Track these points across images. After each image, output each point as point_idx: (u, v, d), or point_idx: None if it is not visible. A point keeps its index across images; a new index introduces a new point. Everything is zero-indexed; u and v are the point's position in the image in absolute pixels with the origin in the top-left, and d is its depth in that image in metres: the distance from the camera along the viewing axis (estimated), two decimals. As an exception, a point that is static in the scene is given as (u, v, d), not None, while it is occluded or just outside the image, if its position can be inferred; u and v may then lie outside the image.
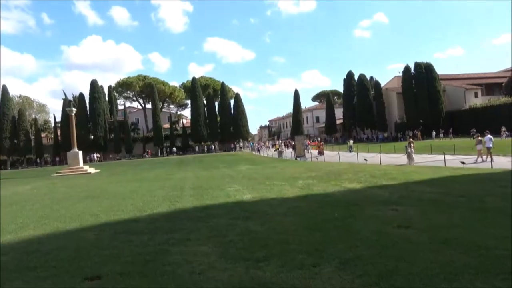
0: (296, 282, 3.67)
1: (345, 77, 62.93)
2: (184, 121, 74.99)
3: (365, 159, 20.71)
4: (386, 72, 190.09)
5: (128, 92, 68.90)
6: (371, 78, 64.08)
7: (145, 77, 68.03)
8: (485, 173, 12.47)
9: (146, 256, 4.84)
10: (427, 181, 11.10)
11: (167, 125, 64.43)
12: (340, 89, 70.67)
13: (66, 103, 48.28)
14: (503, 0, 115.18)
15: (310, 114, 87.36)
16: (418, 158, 20.10)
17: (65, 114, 49.28)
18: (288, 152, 37.60)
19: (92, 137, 57.06)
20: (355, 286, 3.51)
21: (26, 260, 5.04)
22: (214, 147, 61.30)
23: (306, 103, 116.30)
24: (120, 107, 69.39)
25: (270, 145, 58.10)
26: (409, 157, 19.16)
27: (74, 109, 33.65)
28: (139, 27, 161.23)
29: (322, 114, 77.67)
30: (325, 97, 78.12)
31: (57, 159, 56.59)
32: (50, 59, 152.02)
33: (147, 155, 58.09)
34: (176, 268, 4.28)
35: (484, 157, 18.42)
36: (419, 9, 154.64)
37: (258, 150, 51.33)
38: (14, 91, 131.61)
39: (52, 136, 64.35)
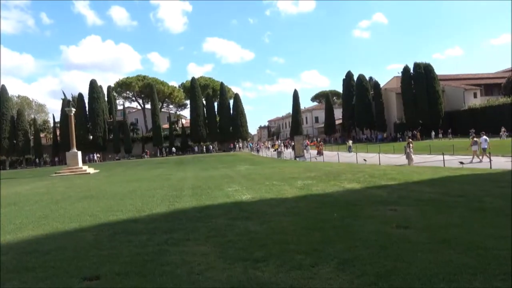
0: (295, 282, 3.67)
1: (344, 77, 62.97)
2: (183, 121, 74.94)
3: (364, 160, 20.73)
4: (385, 73, 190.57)
5: (127, 92, 68.82)
6: (370, 78, 64.25)
7: (144, 77, 67.97)
8: (484, 173, 12.49)
9: (145, 256, 4.84)
10: (426, 181, 11.12)
11: (166, 125, 64.38)
12: (340, 89, 70.80)
13: (65, 103, 48.27)
14: (502, 0, 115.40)
15: (309, 114, 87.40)
16: (417, 158, 20.13)
17: (64, 114, 49.29)
18: (287, 152, 37.62)
19: (91, 137, 57.02)
20: (354, 286, 3.51)
21: (25, 260, 5.03)
22: (213, 147, 61.30)
23: (306, 103, 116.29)
24: (119, 107, 69.34)
25: (269, 145, 58.08)
26: (408, 157, 19.19)
27: (73, 109, 33.62)
28: (138, 27, 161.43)
29: (321, 114, 77.71)
30: (324, 98, 78.05)
31: (56, 159, 56.54)
32: (49, 59, 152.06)
33: (145, 156, 58.03)
34: (175, 268, 4.28)
35: (480, 157, 18.51)
36: (418, 9, 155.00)
37: (257, 150, 51.33)
38: (13, 91, 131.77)
39: (51, 136, 64.25)
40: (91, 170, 30.17)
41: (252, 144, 65.76)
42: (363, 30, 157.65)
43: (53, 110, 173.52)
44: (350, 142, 39.59)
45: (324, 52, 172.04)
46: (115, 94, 68.41)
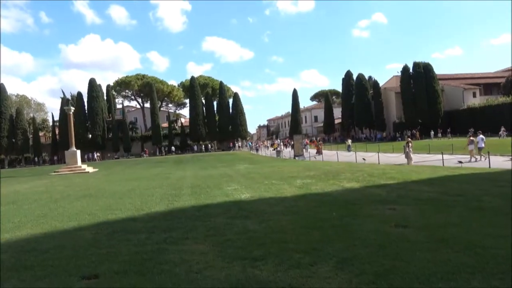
0: (293, 281, 3.67)
1: (343, 76, 62.96)
2: (183, 120, 74.89)
3: (364, 159, 20.74)
4: (385, 72, 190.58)
5: (127, 91, 68.73)
6: (370, 77, 64.23)
7: (143, 76, 67.87)
8: (483, 173, 12.51)
9: (143, 255, 4.83)
10: (425, 180, 11.12)
11: (165, 124, 64.33)
12: (339, 88, 70.75)
13: (64, 102, 48.19)
14: (502, 0, 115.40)
15: (308, 113, 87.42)
16: (416, 158, 20.14)
17: (63, 113, 49.23)
18: (287, 152, 37.62)
19: (90, 136, 56.92)
20: (353, 285, 3.51)
21: (24, 259, 5.02)
22: (213, 146, 61.26)
23: (305, 102, 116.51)
24: (119, 106, 69.26)
25: (268, 145, 58.07)
26: (407, 157, 19.20)
27: (72, 108, 33.58)
28: (137, 26, 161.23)
29: (320, 114, 77.70)
30: (323, 97, 77.98)
31: (55, 158, 56.47)
32: (48, 58, 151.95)
33: (144, 154, 57.98)
34: (174, 267, 4.28)
35: (478, 157, 18.56)
36: (418, 9, 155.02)
37: (257, 150, 51.33)
38: (12, 89, 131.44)
39: (50, 135, 64.13)
40: (90, 169, 30.15)
41: (251, 143, 65.75)
42: (363, 30, 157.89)
43: (52, 109, 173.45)
44: (349, 141, 39.60)
45: (323, 52, 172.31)
46: (114, 93, 68.31)
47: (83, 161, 38.05)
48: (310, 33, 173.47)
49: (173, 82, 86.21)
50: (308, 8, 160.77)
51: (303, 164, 21.75)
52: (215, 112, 61.70)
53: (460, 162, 15.67)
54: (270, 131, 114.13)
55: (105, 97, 62.40)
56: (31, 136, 60.17)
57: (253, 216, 7.07)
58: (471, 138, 19.90)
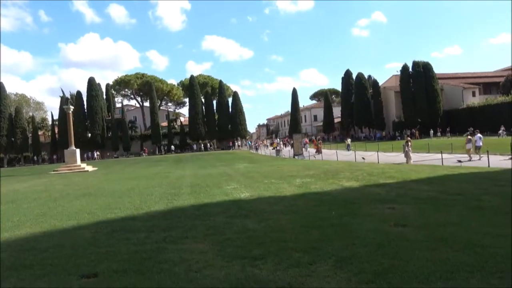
0: (293, 280, 3.67)
1: (343, 75, 62.90)
2: (182, 119, 74.85)
3: (363, 158, 20.74)
4: (384, 71, 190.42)
5: (126, 90, 68.63)
6: (369, 77, 64.19)
7: (143, 75, 67.75)
8: (482, 172, 12.52)
9: (143, 254, 4.84)
10: (425, 179, 11.13)
11: (165, 123, 64.29)
12: (338, 87, 70.65)
13: (64, 100, 48.15)
14: (501, 0, 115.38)
15: (308, 112, 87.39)
16: (416, 157, 20.13)
17: (63, 112, 49.08)
18: (286, 151, 37.62)
19: (89, 135, 56.85)
20: (352, 284, 3.51)
21: (23, 258, 5.02)
22: (212, 145, 61.25)
23: (304, 101, 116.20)
24: (118, 105, 69.16)
25: (268, 144, 58.07)
26: (407, 156, 19.21)
27: (72, 107, 33.57)
28: (137, 25, 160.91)
29: (320, 113, 77.64)
30: (323, 96, 77.92)
31: (55, 157, 56.39)
32: (47, 57, 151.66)
33: (143, 153, 57.94)
34: (173, 266, 4.28)
35: (477, 156, 18.60)
36: (417, 8, 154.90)
37: (256, 149, 51.30)
38: (11, 88, 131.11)
39: (50, 134, 64.01)
40: (89, 168, 30.14)
41: (251, 142, 65.74)
42: (362, 29, 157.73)
43: (52, 108, 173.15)
44: (349, 140, 39.58)
45: (323, 51, 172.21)
46: (113, 92, 68.22)
47: (82, 160, 38.05)
48: (309, 32, 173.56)
49: (173, 81, 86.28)
50: (308, 7, 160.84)
51: (302, 163, 21.76)
52: (215, 111, 61.67)
53: (460, 161, 15.69)
54: (270, 130, 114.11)
55: (104, 96, 62.33)
56: (30, 135, 60.05)
57: (253, 215, 7.07)
58: (469, 137, 19.95)
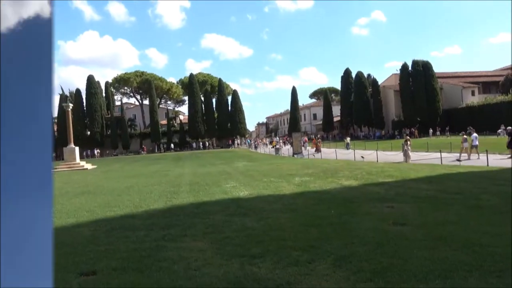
0: (291, 278, 3.68)
1: (342, 74, 62.85)
2: (181, 117, 74.72)
3: (362, 157, 20.75)
4: (384, 70, 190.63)
5: (125, 88, 68.41)
6: (369, 75, 64.03)
7: (142, 73, 67.61)
8: (481, 171, 12.54)
9: (142, 252, 4.84)
10: (424, 178, 11.14)
11: (164, 122, 64.17)
12: (338, 86, 70.60)
13: (63, 98, 48.07)
14: (501, 0, 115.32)
15: (307, 111, 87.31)
16: (415, 156, 20.16)
17: (62, 110, 48.91)
18: (285, 149, 37.63)
19: (88, 132, 56.77)
20: (350, 283, 3.52)
21: (21, 255, 5.01)
22: (211, 144, 61.23)
23: (304, 100, 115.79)
24: (117, 103, 68.99)
25: (267, 142, 58.06)
26: (406, 155, 19.23)
27: (71, 105, 33.54)
28: (136, 22, 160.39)
29: (319, 112, 77.59)
30: (322, 95, 77.86)
31: (54, 154, 56.23)
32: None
33: (143, 151, 57.88)
34: (172, 264, 4.28)
35: (475, 156, 18.65)
36: (417, 7, 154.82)
37: (256, 147, 51.29)
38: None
39: (49, 132, 63.89)
40: (88, 166, 30.12)
41: (250, 140, 65.73)
42: (362, 28, 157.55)
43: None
44: (348, 139, 39.62)
45: (322, 49, 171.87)
46: (113, 89, 68.01)
47: (81, 158, 38.03)
48: (309, 31, 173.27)
49: (172, 79, 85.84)
50: (307, 5, 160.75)
51: (301, 162, 21.77)
52: (214, 109, 61.64)
53: (459, 160, 15.72)
54: (269, 129, 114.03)
55: (103, 94, 62.20)
56: (29, 132, 59.98)
57: (252, 213, 7.07)
58: (465, 136, 20.07)
